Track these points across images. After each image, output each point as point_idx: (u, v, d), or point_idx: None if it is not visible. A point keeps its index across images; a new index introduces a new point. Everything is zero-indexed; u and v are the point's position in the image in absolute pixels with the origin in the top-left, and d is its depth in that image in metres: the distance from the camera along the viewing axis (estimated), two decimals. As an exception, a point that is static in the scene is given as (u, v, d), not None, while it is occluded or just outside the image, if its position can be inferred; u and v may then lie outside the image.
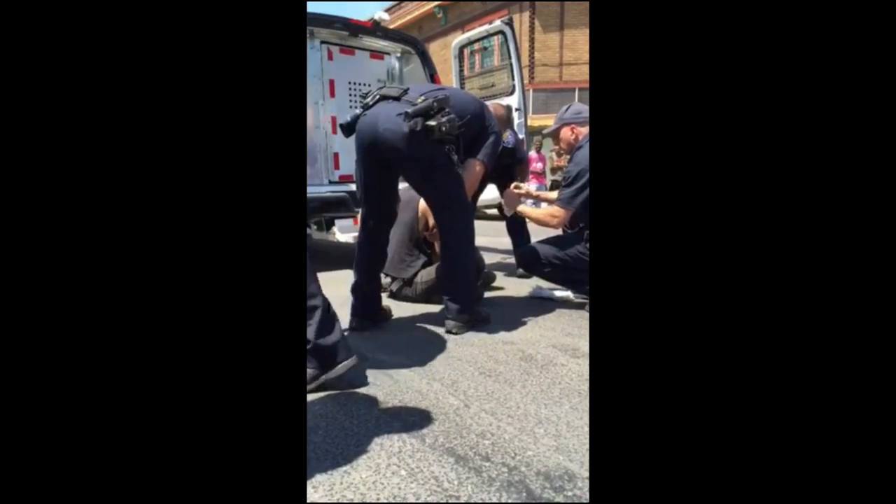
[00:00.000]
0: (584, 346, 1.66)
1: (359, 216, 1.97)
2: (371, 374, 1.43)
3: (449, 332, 1.81)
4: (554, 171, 8.70)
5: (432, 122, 1.59)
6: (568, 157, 2.30)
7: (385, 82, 3.64)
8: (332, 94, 3.53)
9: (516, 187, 2.37)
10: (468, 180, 1.85)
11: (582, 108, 2.27)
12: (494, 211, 6.92)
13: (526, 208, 2.44)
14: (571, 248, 2.19)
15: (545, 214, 2.19)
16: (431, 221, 2.26)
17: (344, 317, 1.96)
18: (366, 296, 1.90)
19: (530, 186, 4.33)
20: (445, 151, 1.71)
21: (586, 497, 0.85)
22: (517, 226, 2.96)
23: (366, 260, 1.90)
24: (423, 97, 1.67)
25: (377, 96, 1.76)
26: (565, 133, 2.24)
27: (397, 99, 1.72)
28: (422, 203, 2.28)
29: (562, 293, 2.33)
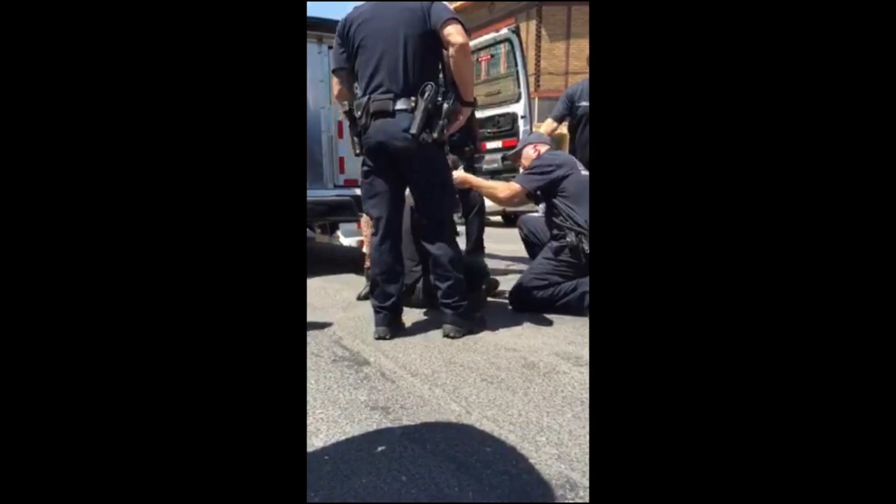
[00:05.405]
0: (587, 354, 1.65)
1: (366, 224, 1.98)
2: (373, 379, 1.43)
3: (447, 336, 1.82)
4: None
5: (436, 134, 1.72)
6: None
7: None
8: None
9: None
10: (463, 62, 1.72)
11: (543, 133, 2.83)
12: (499, 218, 6.97)
13: (475, 178, 2.55)
14: (539, 262, 2.26)
15: (498, 185, 2.35)
16: None
17: (346, 322, 1.97)
18: (395, 305, 1.90)
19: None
20: (447, 162, 1.90)
21: (588, 507, 0.84)
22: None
23: (389, 268, 1.89)
24: (413, 102, 1.71)
25: (370, 113, 1.76)
26: (528, 151, 2.50)
27: (392, 115, 1.73)
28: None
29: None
